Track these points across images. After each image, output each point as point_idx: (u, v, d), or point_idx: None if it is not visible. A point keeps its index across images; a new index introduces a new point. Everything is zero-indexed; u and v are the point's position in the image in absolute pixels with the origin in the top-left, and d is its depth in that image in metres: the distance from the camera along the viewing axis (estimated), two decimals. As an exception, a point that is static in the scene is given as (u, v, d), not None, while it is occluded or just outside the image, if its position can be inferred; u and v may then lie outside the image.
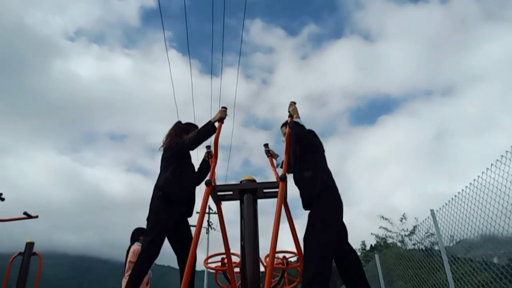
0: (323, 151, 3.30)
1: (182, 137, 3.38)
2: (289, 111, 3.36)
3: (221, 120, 3.21)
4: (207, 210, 19.72)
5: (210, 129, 3.19)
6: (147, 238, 2.95)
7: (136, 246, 4.79)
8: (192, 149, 3.28)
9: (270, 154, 3.83)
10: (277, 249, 5.46)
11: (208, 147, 3.69)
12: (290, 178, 3.23)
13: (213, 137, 3.28)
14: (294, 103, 3.39)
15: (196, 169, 3.59)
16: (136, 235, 5.05)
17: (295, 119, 3.25)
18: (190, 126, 3.61)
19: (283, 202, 2.79)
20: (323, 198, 2.95)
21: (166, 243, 3.20)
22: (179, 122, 3.58)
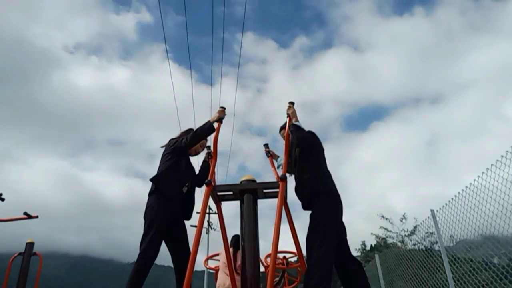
0: (323, 152, 3.29)
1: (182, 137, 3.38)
2: (287, 113, 3.31)
3: (220, 120, 3.19)
4: (207, 210, 19.73)
5: (208, 129, 3.17)
6: (146, 238, 2.93)
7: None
8: (189, 147, 3.26)
9: (270, 154, 3.81)
10: (277, 249, 5.44)
11: (208, 147, 3.66)
12: (290, 179, 3.23)
13: (212, 136, 3.27)
14: (293, 103, 3.34)
15: (197, 171, 3.59)
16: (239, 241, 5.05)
17: (295, 122, 3.22)
18: None
19: (283, 202, 2.79)
20: (323, 200, 2.95)
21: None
22: (190, 130, 3.48)
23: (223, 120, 3.25)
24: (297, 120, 3.25)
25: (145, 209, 3.10)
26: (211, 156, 3.56)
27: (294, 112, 3.29)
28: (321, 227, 2.81)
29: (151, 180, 3.17)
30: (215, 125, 3.19)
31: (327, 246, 2.72)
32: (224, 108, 3.25)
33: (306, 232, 2.94)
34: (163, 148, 3.44)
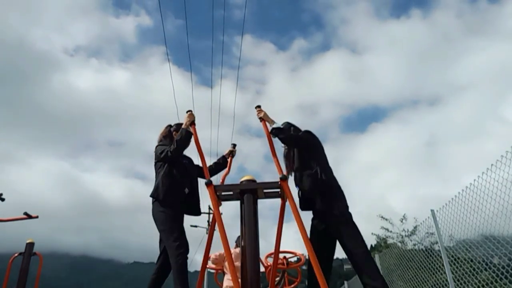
0: (322, 149, 3.27)
1: (168, 144, 3.43)
2: (259, 118, 3.24)
3: (192, 123, 3.25)
4: (207, 210, 19.74)
5: (185, 135, 3.24)
6: (171, 237, 3.03)
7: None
8: (175, 158, 3.30)
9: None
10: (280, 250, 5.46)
11: (233, 145, 3.81)
12: (290, 179, 3.22)
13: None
14: (259, 106, 3.28)
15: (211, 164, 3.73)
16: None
17: (274, 126, 3.17)
18: (179, 126, 3.65)
19: (291, 202, 2.76)
20: (335, 195, 2.97)
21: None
22: (169, 126, 3.63)
23: (200, 121, 3.29)
24: (273, 122, 3.20)
25: (153, 217, 3.19)
26: (233, 155, 3.75)
27: (265, 115, 3.22)
28: (349, 224, 2.86)
29: (151, 196, 3.23)
30: (191, 129, 3.24)
31: (362, 238, 2.82)
32: (191, 111, 3.31)
33: (308, 232, 2.94)
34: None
